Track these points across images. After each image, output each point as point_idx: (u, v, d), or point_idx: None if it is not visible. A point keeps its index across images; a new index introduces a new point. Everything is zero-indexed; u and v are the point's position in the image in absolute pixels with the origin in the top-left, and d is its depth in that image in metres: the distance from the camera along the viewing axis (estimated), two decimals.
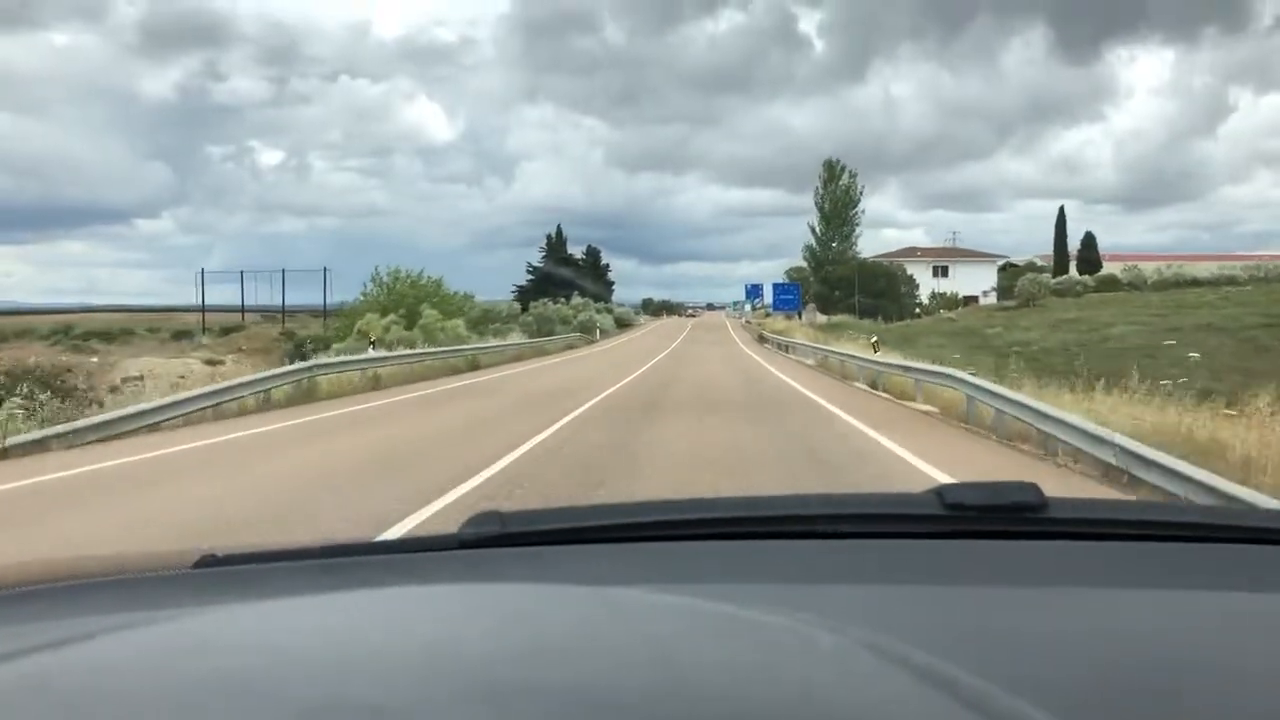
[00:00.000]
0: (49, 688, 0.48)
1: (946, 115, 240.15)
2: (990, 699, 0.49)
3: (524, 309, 61.34)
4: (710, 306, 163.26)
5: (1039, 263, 75.58)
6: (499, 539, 1.09)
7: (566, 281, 79.43)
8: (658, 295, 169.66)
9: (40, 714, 0.44)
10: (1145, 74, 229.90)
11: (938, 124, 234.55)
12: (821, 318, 54.07)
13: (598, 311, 77.18)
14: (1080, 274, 64.88)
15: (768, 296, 78.70)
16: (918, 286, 66.69)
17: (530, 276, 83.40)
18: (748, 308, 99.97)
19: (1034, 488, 1.09)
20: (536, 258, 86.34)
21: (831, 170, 71.52)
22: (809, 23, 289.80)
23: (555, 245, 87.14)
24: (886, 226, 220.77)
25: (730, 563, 1.04)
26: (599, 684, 0.46)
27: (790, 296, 60.61)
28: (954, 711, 0.46)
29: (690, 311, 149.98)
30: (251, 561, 1.09)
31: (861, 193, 71.22)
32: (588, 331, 58.98)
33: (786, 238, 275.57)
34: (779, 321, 59.16)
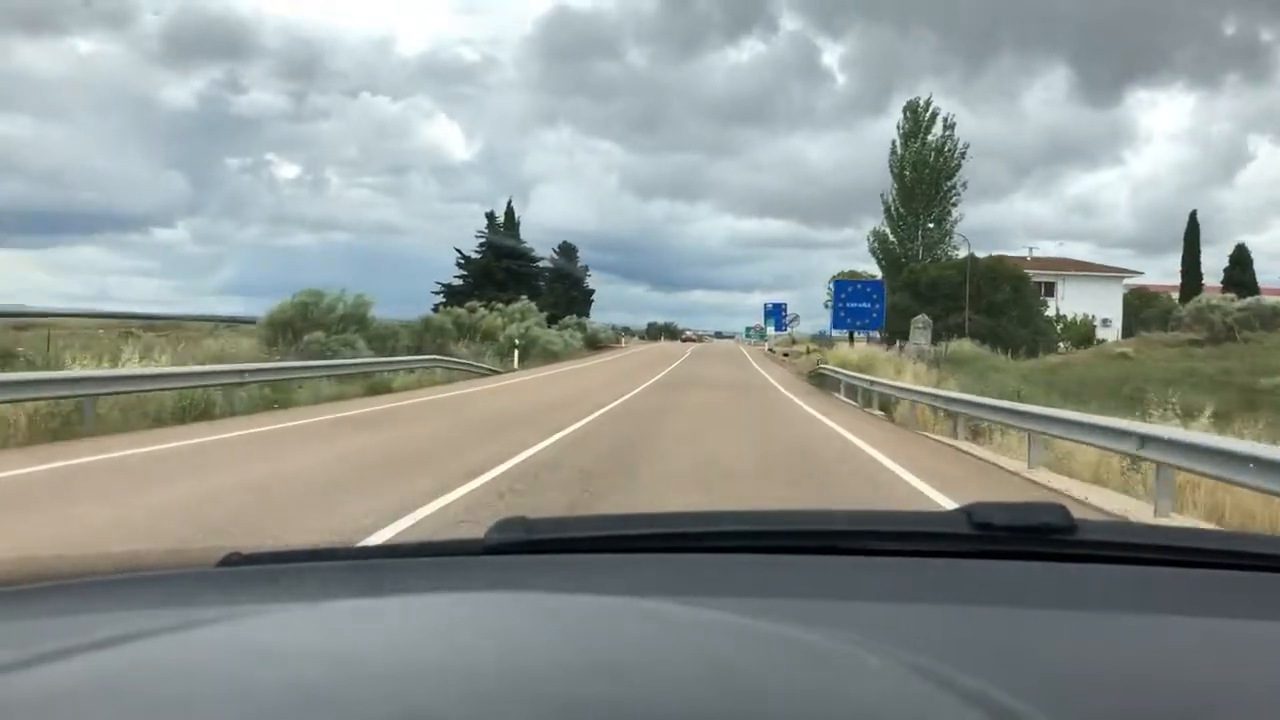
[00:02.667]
0: (120, 689, 0.46)
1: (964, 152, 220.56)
2: None
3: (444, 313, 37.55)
4: (719, 335, 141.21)
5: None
6: (525, 545, 1.09)
7: (513, 280, 55.01)
8: (675, 323, 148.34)
9: (119, 717, 0.43)
10: (1165, 119, 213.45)
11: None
12: (923, 345, 28.93)
13: (558, 327, 53.02)
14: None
15: (810, 315, 54.05)
16: (1045, 305, 41.93)
17: (462, 271, 58.63)
18: (771, 331, 75.34)
19: (1062, 509, 1.08)
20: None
21: (916, 118, 46.52)
22: (831, 56, 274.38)
23: (500, 229, 62.17)
24: None
25: (757, 577, 1.03)
26: (667, 703, 0.45)
27: (867, 304, 33.75)
28: None
29: (688, 335, 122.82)
30: (277, 561, 1.08)
31: (963, 154, 46.35)
32: (504, 355, 34.64)
33: (798, 269, 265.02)
34: (844, 349, 33.71)
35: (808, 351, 61.25)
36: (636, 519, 1.21)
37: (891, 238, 46.60)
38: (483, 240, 59.51)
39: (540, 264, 62.83)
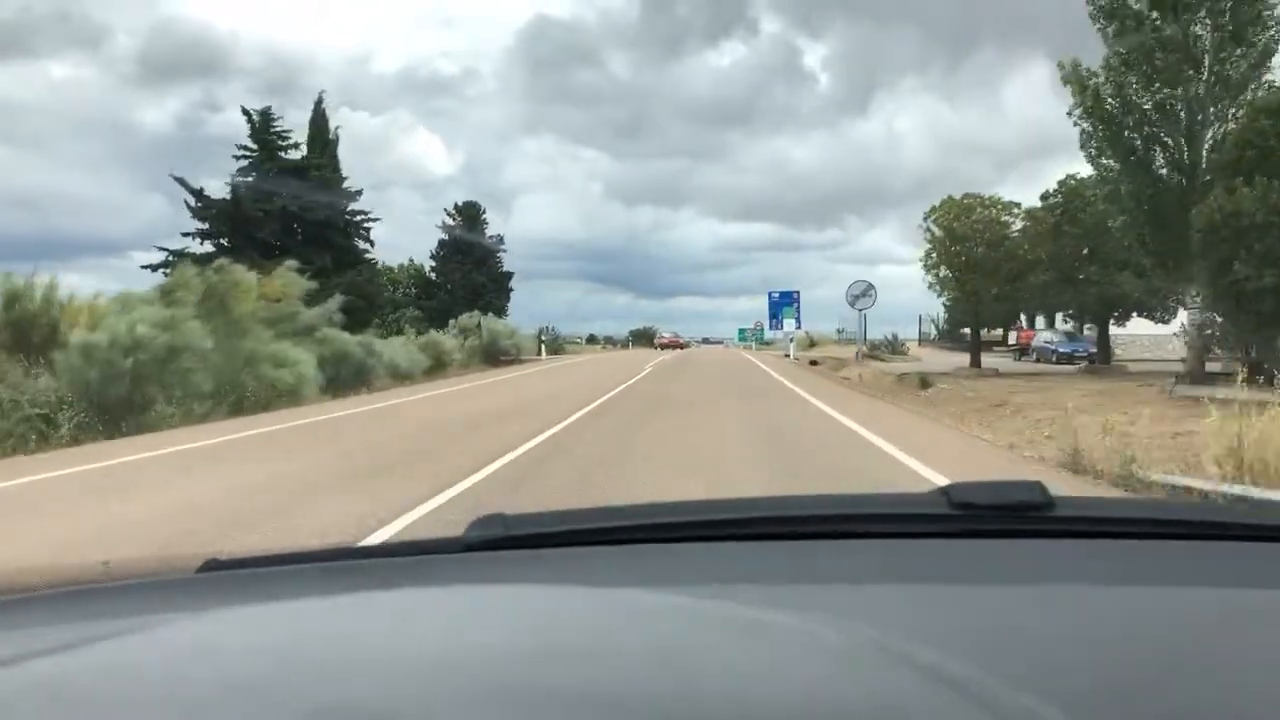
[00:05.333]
0: (59, 692, 0.47)
1: (947, 149, 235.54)
2: (1000, 698, 0.49)
3: None
4: (707, 340, 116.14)
5: None
6: (503, 542, 1.10)
7: (298, 237, 28.03)
8: (654, 328, 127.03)
9: (51, 718, 0.44)
10: None
11: (938, 158, 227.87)
12: None
13: (452, 331, 27.07)
14: None
15: (820, 306, 26.92)
16: None
17: (200, 223, 30.95)
18: (792, 328, 48.55)
19: (1039, 486, 1.09)
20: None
21: None
22: (812, 56, 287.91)
23: (280, 140, 33.90)
24: (884, 262, 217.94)
25: (736, 564, 1.04)
26: (608, 686, 0.46)
27: None
28: (965, 710, 0.46)
29: (664, 340, 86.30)
30: (256, 565, 1.10)
31: None
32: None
33: (782, 272, 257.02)
34: None
35: (860, 358, 35.54)
36: (616, 512, 1.20)
37: (1112, 67, 19.36)
38: (244, 165, 31.85)
39: (357, 213, 34.28)
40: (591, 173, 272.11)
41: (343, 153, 33.02)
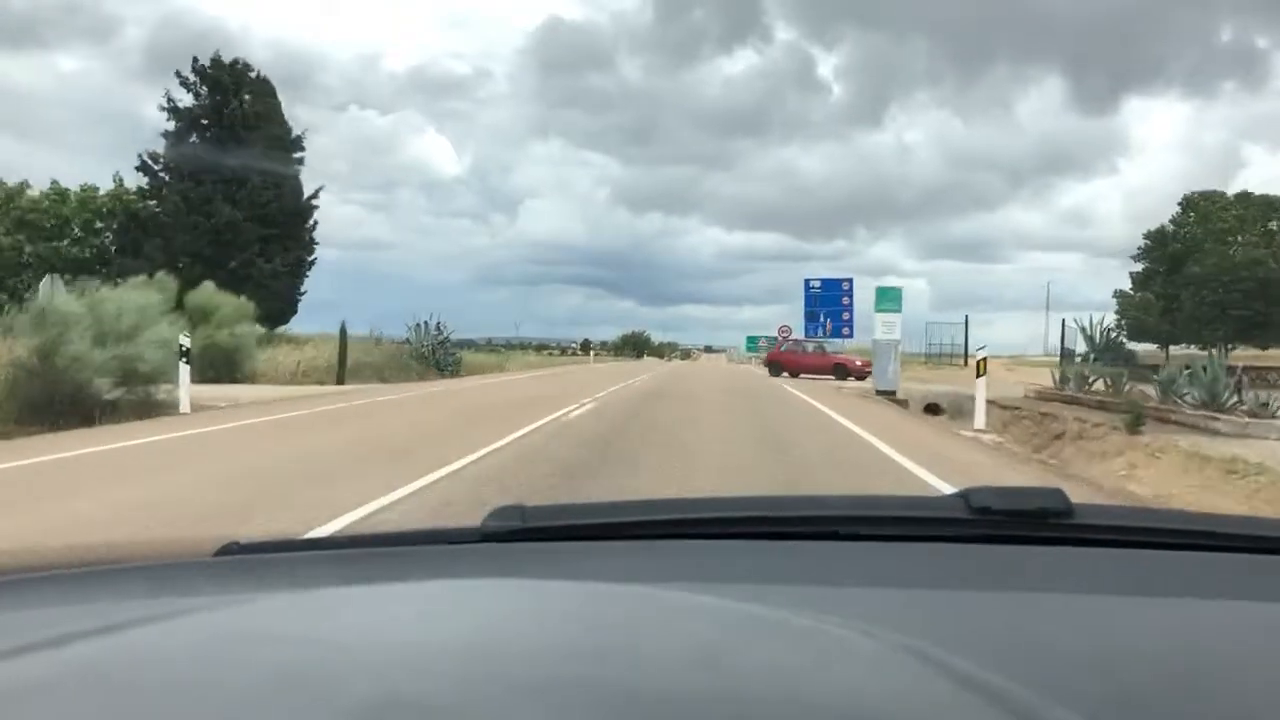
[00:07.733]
0: (101, 676, 0.47)
1: (957, 164, 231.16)
2: (1038, 709, 0.48)
3: None
4: (709, 349, 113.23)
5: None
6: (521, 533, 1.10)
7: None
8: (660, 337, 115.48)
9: (100, 705, 0.43)
10: (1160, 127, 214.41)
11: (947, 172, 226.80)
12: None
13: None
14: None
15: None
16: None
17: None
18: (892, 331, 23.50)
19: (1060, 493, 1.09)
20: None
21: None
22: (825, 66, 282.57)
23: None
24: (888, 274, 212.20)
25: (754, 563, 1.04)
26: (649, 684, 0.46)
27: None
28: None
29: (797, 351, 35.34)
30: (273, 550, 1.10)
31: None
32: None
33: (787, 283, 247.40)
34: None
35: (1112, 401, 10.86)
36: (633, 506, 1.21)
37: None
38: None
39: None
40: (599, 178, 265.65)
41: None
